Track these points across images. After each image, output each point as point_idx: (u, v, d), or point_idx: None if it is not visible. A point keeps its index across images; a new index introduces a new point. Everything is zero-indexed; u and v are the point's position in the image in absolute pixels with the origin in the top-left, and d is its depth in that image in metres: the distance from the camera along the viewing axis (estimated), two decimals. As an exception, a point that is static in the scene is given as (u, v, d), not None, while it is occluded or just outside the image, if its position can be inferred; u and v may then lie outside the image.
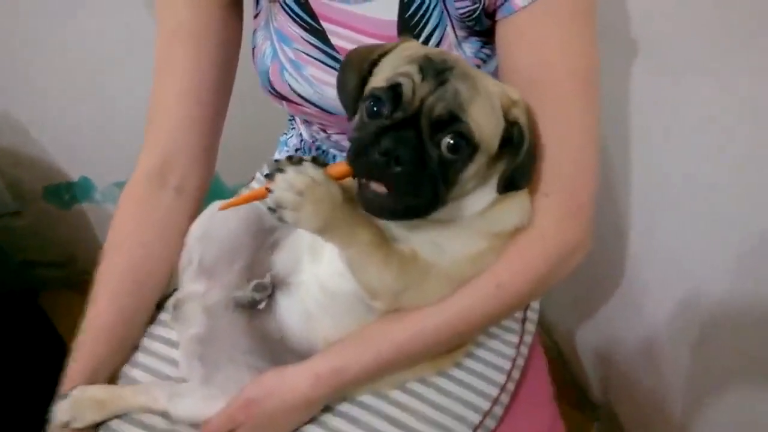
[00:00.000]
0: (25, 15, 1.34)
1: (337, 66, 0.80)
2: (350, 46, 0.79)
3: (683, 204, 0.99)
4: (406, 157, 0.58)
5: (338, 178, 0.63)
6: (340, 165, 0.64)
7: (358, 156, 0.61)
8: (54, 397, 0.77)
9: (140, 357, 0.85)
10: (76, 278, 1.83)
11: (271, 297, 0.81)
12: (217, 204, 0.86)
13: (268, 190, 0.60)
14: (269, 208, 0.61)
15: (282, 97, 0.88)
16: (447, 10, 0.76)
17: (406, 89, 0.61)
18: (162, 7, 0.84)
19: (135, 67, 1.11)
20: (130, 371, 0.84)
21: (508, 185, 0.67)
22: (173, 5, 0.83)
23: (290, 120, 1.11)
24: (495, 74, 0.80)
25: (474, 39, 0.79)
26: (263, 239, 0.87)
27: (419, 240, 0.68)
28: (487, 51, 0.80)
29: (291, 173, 0.60)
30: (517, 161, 0.65)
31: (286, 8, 0.82)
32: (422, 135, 0.59)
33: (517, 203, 0.71)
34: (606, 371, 1.42)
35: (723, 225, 0.91)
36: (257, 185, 1.08)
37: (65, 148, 1.61)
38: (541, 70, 0.71)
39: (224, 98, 0.91)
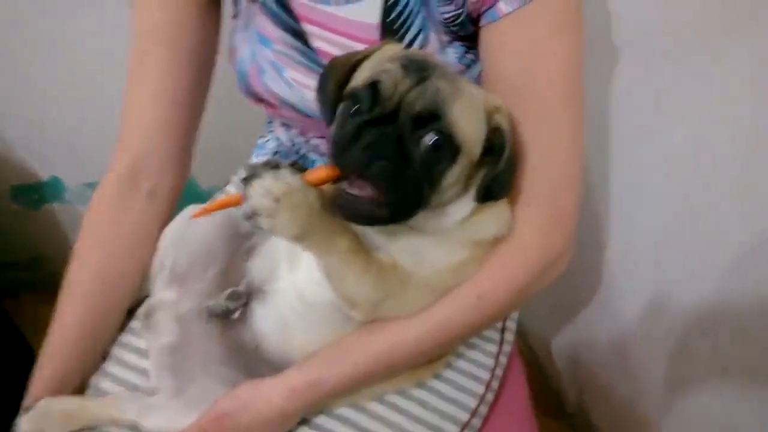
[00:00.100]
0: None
1: (318, 69, 0.79)
2: (331, 49, 0.78)
3: (660, 210, 1.00)
4: (388, 152, 0.57)
5: (316, 185, 0.62)
6: (318, 171, 0.62)
7: (340, 153, 0.60)
8: (19, 410, 0.75)
9: (110, 367, 0.83)
10: (44, 281, 1.78)
11: (246, 305, 0.79)
12: (191, 209, 0.85)
13: (244, 196, 0.58)
14: (245, 215, 0.59)
15: (260, 100, 0.86)
16: (430, 15, 0.75)
17: (387, 85, 0.59)
18: (137, 6, 0.82)
19: (106, 66, 1.09)
20: (99, 382, 0.81)
21: (486, 195, 0.66)
22: (148, 5, 0.81)
23: (269, 123, 1.09)
24: (478, 80, 0.79)
25: (458, 44, 0.78)
26: (239, 244, 0.85)
27: (399, 249, 0.67)
28: (471, 56, 0.79)
29: (268, 179, 0.58)
30: (498, 169, 0.64)
31: (266, 9, 0.80)
32: (403, 132, 0.58)
33: (496, 212, 0.70)
34: (581, 377, 1.43)
35: (699, 231, 0.92)
36: (233, 188, 1.07)
37: (34, 147, 1.57)
38: (525, 77, 0.70)
39: (200, 99, 0.89)
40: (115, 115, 0.84)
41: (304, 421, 0.76)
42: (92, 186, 0.85)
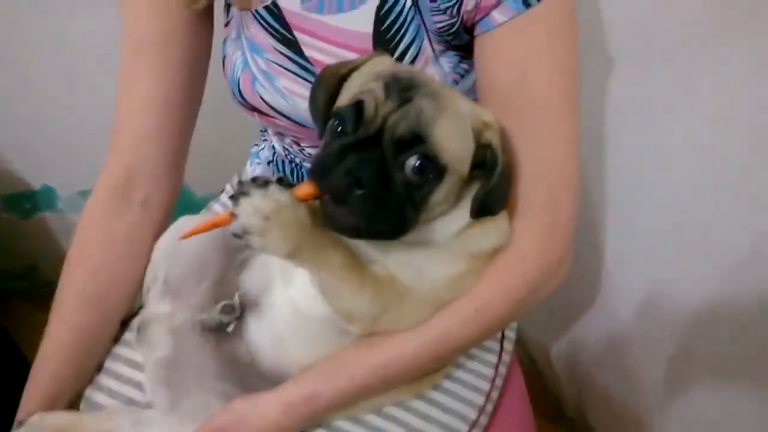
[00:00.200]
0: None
1: (311, 78, 0.78)
2: (324, 58, 0.77)
3: (658, 212, 0.99)
4: (368, 179, 0.56)
5: (305, 200, 0.60)
6: (306, 186, 0.61)
7: (321, 174, 0.59)
8: (12, 419, 0.74)
9: (103, 379, 0.82)
10: (37, 290, 1.78)
11: (240, 318, 0.78)
12: (183, 220, 0.84)
13: (233, 215, 0.57)
14: (234, 234, 0.58)
15: (253, 109, 0.85)
16: (424, 24, 0.74)
17: (368, 107, 0.59)
18: (127, 13, 0.81)
19: (99, 74, 1.07)
20: (92, 395, 0.80)
21: (482, 210, 0.65)
22: (139, 12, 0.80)
23: (262, 131, 1.08)
24: (473, 89, 0.78)
25: (452, 53, 0.77)
26: (232, 256, 0.84)
27: (396, 262, 0.66)
28: (465, 66, 0.78)
29: (257, 197, 0.57)
30: (491, 184, 0.63)
31: (258, 17, 0.79)
32: (386, 155, 0.58)
33: (494, 224, 0.69)
34: (579, 380, 1.42)
35: (698, 232, 0.91)
36: (227, 197, 1.05)
37: (27, 155, 1.56)
38: (520, 87, 0.69)
39: (193, 107, 0.88)
40: (108, 123, 0.83)
41: (301, 435, 0.75)
42: (85, 195, 0.84)
